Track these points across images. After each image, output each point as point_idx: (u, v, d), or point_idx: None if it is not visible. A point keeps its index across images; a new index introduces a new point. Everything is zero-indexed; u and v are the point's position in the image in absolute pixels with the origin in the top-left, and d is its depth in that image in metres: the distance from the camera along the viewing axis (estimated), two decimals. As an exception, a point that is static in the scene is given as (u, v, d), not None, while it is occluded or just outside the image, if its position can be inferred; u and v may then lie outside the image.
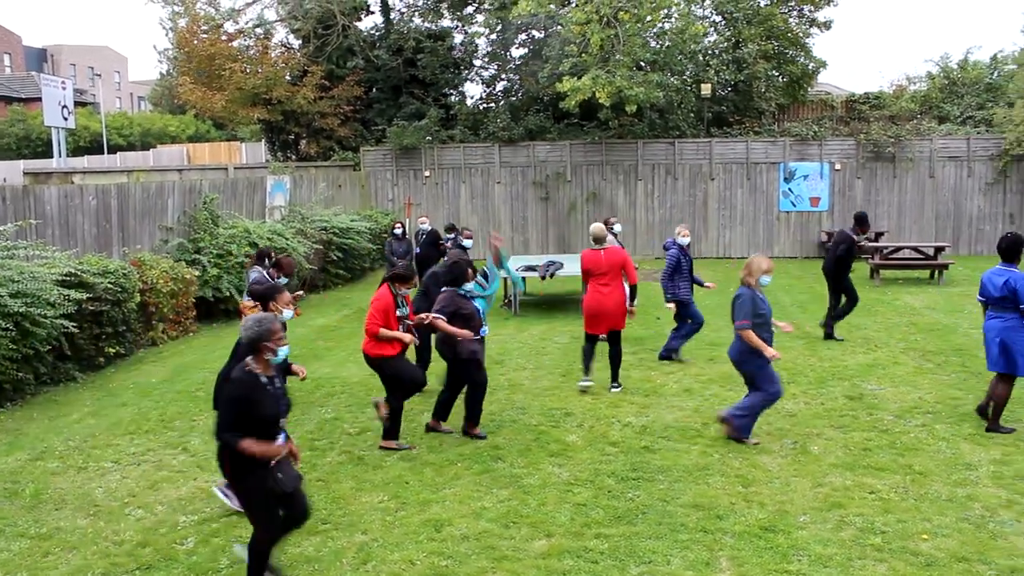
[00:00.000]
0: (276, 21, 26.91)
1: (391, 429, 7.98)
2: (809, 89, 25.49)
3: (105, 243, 13.26)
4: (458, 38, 26.76)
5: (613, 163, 23.37)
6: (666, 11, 21.58)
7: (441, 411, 8.46)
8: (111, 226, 13.53)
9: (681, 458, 7.53)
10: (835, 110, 24.53)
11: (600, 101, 20.23)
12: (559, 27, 22.39)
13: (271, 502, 5.19)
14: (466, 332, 7.98)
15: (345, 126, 25.32)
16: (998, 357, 8.02)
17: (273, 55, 25.33)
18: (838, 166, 22.60)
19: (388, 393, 7.99)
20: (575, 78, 20.27)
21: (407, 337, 7.83)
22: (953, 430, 8.16)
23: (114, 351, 11.71)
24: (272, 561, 5.40)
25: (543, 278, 14.77)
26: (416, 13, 26.96)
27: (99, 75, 56.89)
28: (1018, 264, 8.16)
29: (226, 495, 6.67)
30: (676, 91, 23.51)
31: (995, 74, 24.57)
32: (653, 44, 22.16)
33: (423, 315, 8.06)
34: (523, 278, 14.94)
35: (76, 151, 36.05)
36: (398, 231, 15.50)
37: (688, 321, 11.28)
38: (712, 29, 24.68)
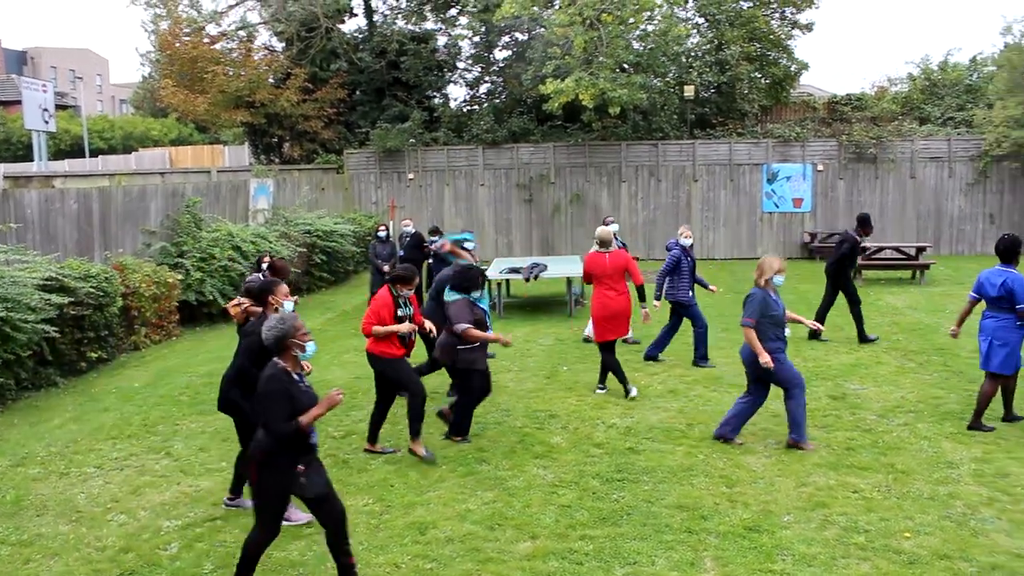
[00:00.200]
0: (259, 24, 26.83)
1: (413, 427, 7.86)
2: (791, 91, 25.61)
3: (87, 247, 13.17)
4: (441, 40, 26.75)
5: (597, 165, 23.41)
6: (649, 13, 21.64)
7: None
8: (93, 230, 13.44)
9: (666, 459, 7.54)
10: (817, 111, 24.65)
11: (583, 103, 20.28)
12: (542, 29, 22.42)
13: (281, 507, 5.17)
14: (499, 336, 8.07)
15: (328, 129, 25.25)
16: (994, 357, 8.11)
17: (256, 58, 25.21)
18: (820, 167, 22.72)
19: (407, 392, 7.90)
20: (558, 80, 20.30)
21: (404, 327, 7.70)
22: (935, 429, 8.22)
23: (96, 356, 11.63)
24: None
25: (527, 280, 14.77)
26: (399, 15, 26.94)
27: (80, 78, 56.60)
28: (1016, 264, 8.19)
29: (238, 505, 6.75)
30: (659, 93, 23.59)
31: (975, 76, 24.76)
32: (636, 46, 22.21)
33: (428, 325, 8.02)
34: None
35: (57, 154, 35.77)
36: (382, 234, 15.45)
37: (679, 323, 11.21)
38: (695, 31, 24.77)
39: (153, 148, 37.33)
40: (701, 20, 25.08)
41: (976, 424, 8.19)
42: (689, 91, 22.86)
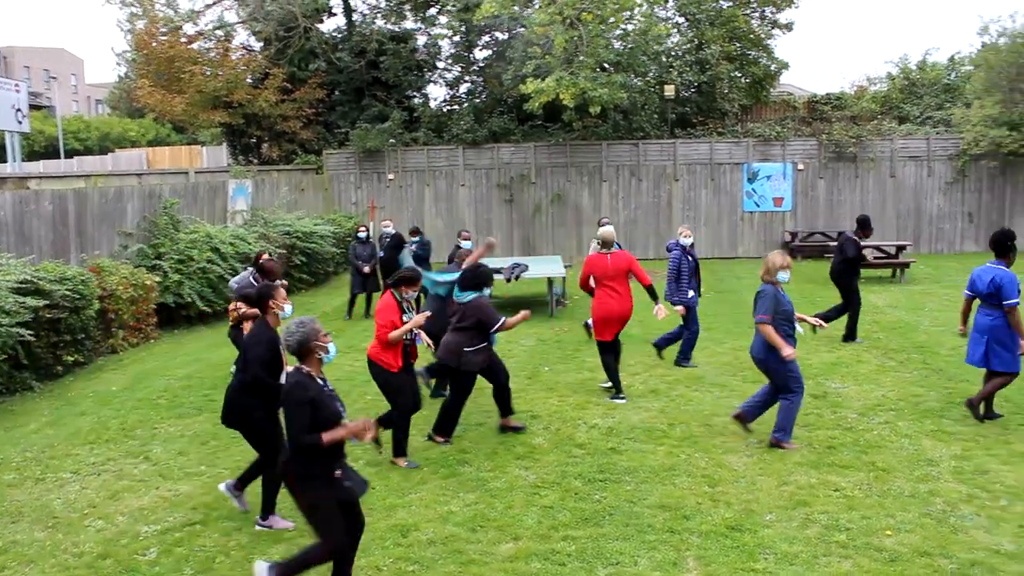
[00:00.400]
0: (237, 23, 26.63)
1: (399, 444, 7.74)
2: (771, 90, 25.73)
3: (62, 249, 13.03)
4: (421, 40, 26.65)
5: (577, 165, 23.41)
6: (629, 12, 21.66)
7: (503, 408, 8.44)
8: (68, 232, 13.29)
9: (647, 459, 7.54)
10: (797, 111, 24.77)
11: (564, 103, 20.26)
12: (522, 28, 22.40)
13: (337, 513, 5.06)
14: (523, 314, 8.13)
15: (307, 129, 25.11)
16: (985, 355, 8.18)
17: (234, 57, 25.03)
18: (801, 166, 22.83)
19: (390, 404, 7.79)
20: (539, 80, 20.27)
21: (419, 318, 7.65)
22: (915, 427, 8.25)
23: (72, 359, 11.50)
24: None
25: (508, 280, 14.72)
26: (379, 15, 26.82)
27: (55, 78, 56.09)
28: (1010, 257, 8.22)
29: (235, 497, 6.65)
30: (640, 92, 23.62)
31: (953, 75, 24.97)
32: (616, 45, 22.22)
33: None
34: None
35: (31, 156, 35.45)
36: (362, 235, 15.39)
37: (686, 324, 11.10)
38: (675, 30, 24.84)
39: (130, 149, 37.06)
40: (681, 19, 25.15)
41: (988, 414, 8.35)
42: (669, 90, 22.90)
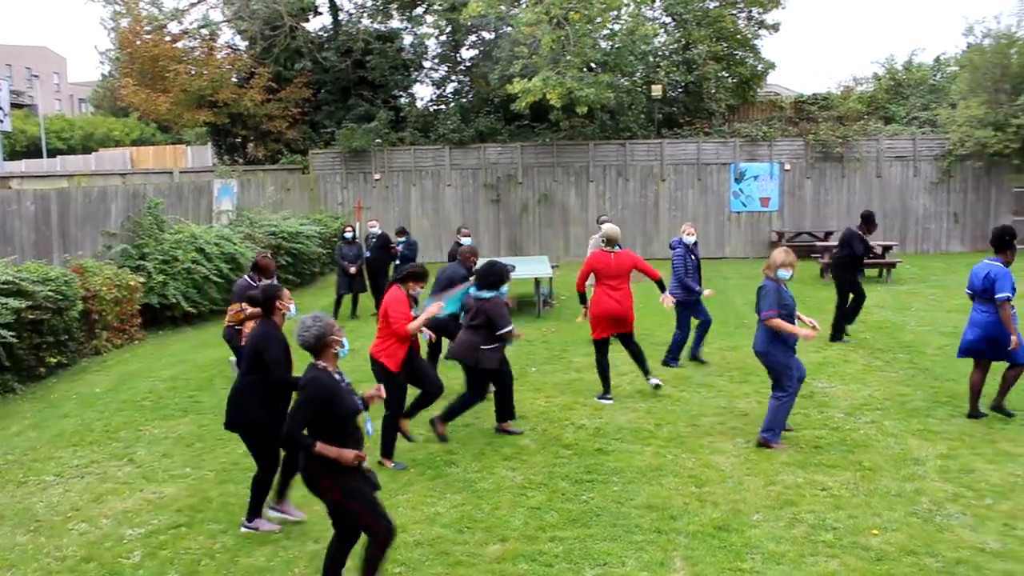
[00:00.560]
0: (222, 22, 26.51)
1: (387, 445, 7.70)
2: (758, 90, 25.81)
3: (45, 250, 12.93)
4: (407, 39, 26.61)
5: (564, 165, 23.41)
6: (616, 12, 21.67)
7: (503, 411, 8.41)
8: (51, 232, 13.19)
9: (634, 459, 7.52)
10: (784, 111, 24.86)
11: (551, 102, 20.26)
12: (509, 28, 22.38)
13: (376, 502, 5.02)
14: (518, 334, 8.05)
15: (293, 129, 25.02)
16: (982, 345, 8.28)
17: (219, 56, 24.94)
18: (788, 166, 22.90)
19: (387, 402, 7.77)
20: (525, 79, 20.26)
21: (434, 308, 7.65)
22: (901, 426, 8.27)
23: (55, 361, 11.41)
24: None
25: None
26: (365, 14, 26.76)
27: (37, 76, 55.61)
28: (1007, 254, 8.25)
29: (284, 513, 6.48)
30: (627, 92, 23.65)
31: (938, 76, 25.12)
32: (603, 45, 22.25)
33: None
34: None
35: (13, 155, 35.22)
36: (348, 235, 15.33)
37: (703, 315, 11.06)
38: (662, 30, 24.89)
39: (114, 148, 36.85)
40: (668, 19, 25.21)
41: (999, 407, 8.44)
42: (656, 90, 22.93)
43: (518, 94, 20.29)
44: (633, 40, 22.08)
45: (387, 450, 7.61)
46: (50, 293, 11.01)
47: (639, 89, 24.22)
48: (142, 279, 13.94)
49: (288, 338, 6.08)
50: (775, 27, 25.40)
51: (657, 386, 9.56)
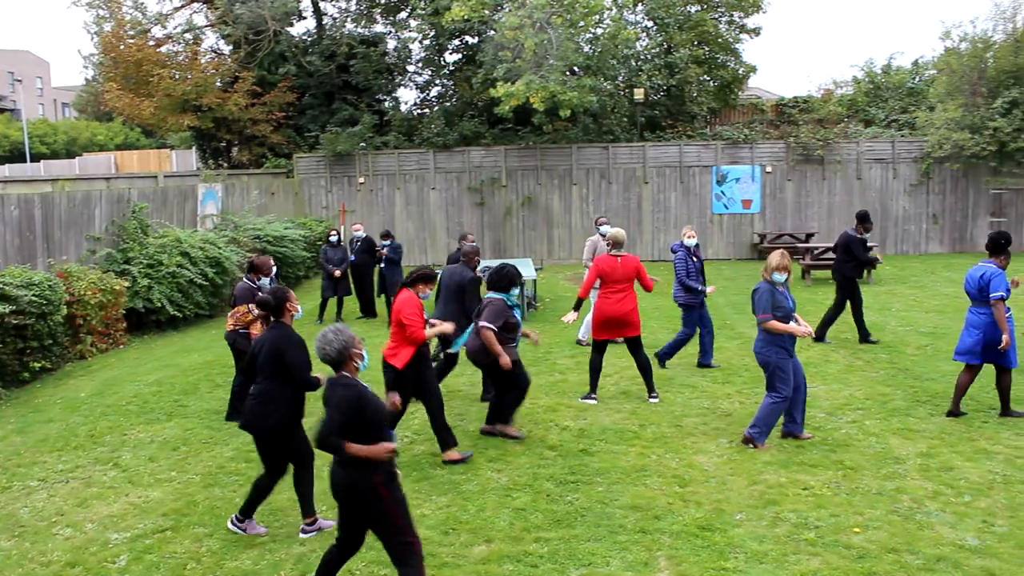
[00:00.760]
0: (206, 26, 26.48)
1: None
2: (740, 93, 25.97)
3: (29, 255, 12.87)
4: (391, 44, 26.64)
5: (548, 168, 23.47)
6: (598, 16, 21.76)
7: (494, 414, 8.40)
8: (35, 237, 13.14)
9: (619, 460, 7.58)
10: (765, 114, 25.03)
11: (534, 106, 20.33)
12: (492, 32, 22.43)
13: (408, 510, 5.03)
14: (506, 360, 7.88)
15: (277, 133, 25.00)
16: (978, 349, 8.34)
17: (203, 61, 24.90)
18: (769, 169, 23.04)
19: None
20: (509, 83, 20.31)
21: (447, 327, 7.70)
22: (882, 425, 8.36)
23: (40, 365, 11.37)
24: None
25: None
26: (349, 18, 26.77)
27: (19, 80, 55.28)
28: (1002, 258, 8.35)
29: (315, 529, 6.33)
30: (609, 96, 23.74)
31: (916, 79, 25.34)
32: (586, 49, 22.32)
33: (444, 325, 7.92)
34: None
35: (-4, 160, 34.97)
36: (333, 238, 15.34)
37: (706, 321, 11.05)
38: (644, 34, 24.97)
39: (98, 153, 36.65)
40: (650, 23, 25.28)
41: (1007, 412, 8.49)
42: (639, 94, 23.04)
43: (501, 98, 20.33)
44: (615, 44, 22.16)
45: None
46: (34, 298, 10.96)
47: (621, 92, 24.33)
48: (127, 283, 13.90)
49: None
50: (756, 31, 25.59)
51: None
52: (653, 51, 24.58)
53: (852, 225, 12.65)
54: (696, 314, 10.93)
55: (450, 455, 7.65)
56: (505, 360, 7.88)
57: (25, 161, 35.33)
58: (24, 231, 12.92)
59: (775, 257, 7.89)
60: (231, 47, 25.69)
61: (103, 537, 6.37)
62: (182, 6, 26.26)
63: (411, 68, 26.99)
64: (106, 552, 6.12)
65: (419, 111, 26.43)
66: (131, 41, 23.80)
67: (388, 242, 15.16)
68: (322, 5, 26.75)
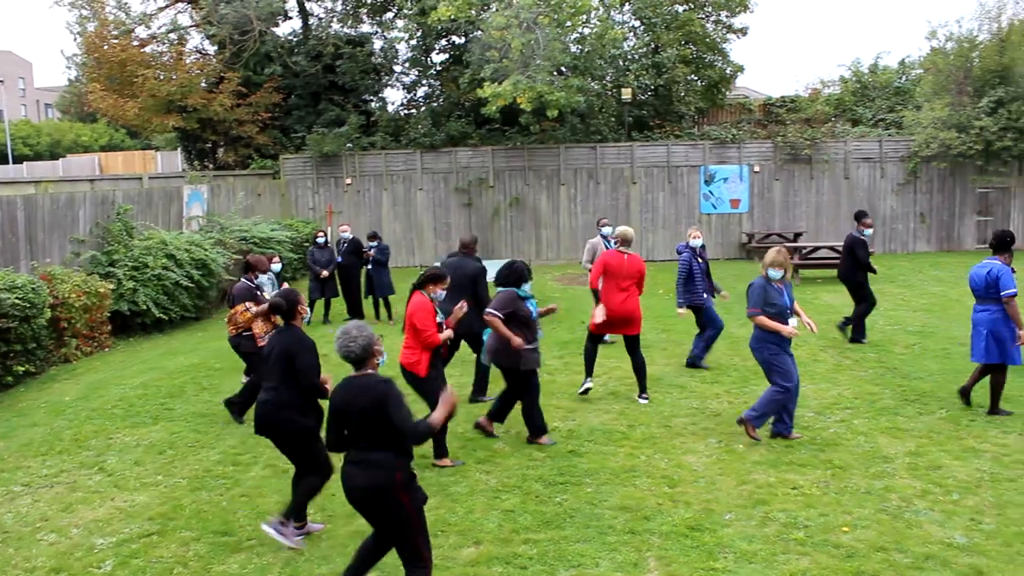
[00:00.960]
0: (191, 26, 26.33)
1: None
2: (727, 93, 26.01)
3: (11, 257, 12.77)
4: (378, 44, 26.57)
5: (536, 168, 23.46)
6: (585, 16, 21.76)
7: (498, 413, 8.33)
8: (18, 239, 13.03)
9: (608, 461, 7.56)
10: (753, 113, 25.08)
11: (521, 106, 20.31)
12: (479, 32, 22.40)
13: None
14: (519, 340, 7.82)
15: (263, 134, 24.89)
16: (989, 348, 8.33)
17: (188, 61, 24.76)
18: (757, 168, 23.09)
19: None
20: (496, 83, 20.29)
21: (448, 334, 7.63)
22: (871, 424, 8.38)
23: (23, 369, 11.27)
24: None
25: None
26: (335, 19, 26.69)
27: (1, 81, 54.84)
28: (1006, 255, 8.37)
29: (281, 533, 6.07)
30: (597, 96, 23.74)
31: (903, 78, 25.45)
32: (573, 49, 22.31)
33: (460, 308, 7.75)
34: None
35: (-22, 162, 34.72)
36: (320, 240, 15.27)
37: (707, 327, 10.98)
38: (631, 34, 25.00)
39: (82, 154, 36.44)
40: (637, 23, 25.31)
41: (995, 410, 8.49)
42: (626, 94, 23.05)
43: (489, 98, 20.30)
44: (603, 44, 22.16)
45: (441, 450, 7.64)
46: (17, 301, 10.87)
47: (609, 92, 24.34)
48: (112, 286, 13.80)
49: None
50: (743, 31, 25.65)
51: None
52: (640, 51, 24.60)
53: (853, 227, 12.67)
54: (712, 311, 10.92)
55: (440, 462, 7.61)
56: (517, 342, 7.83)
57: (7, 163, 35.09)
58: (7, 233, 12.82)
59: (771, 253, 7.94)
60: (216, 47, 25.57)
61: (88, 542, 6.31)
62: (166, 6, 26.11)
63: (398, 68, 26.94)
64: (91, 557, 6.06)
65: (406, 111, 26.38)
66: (115, 41, 23.63)
67: (375, 243, 15.10)
68: (308, 5, 26.66)
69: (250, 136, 24.58)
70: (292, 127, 25.35)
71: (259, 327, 8.81)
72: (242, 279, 9.20)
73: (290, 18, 26.97)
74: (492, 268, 15.33)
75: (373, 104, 26.45)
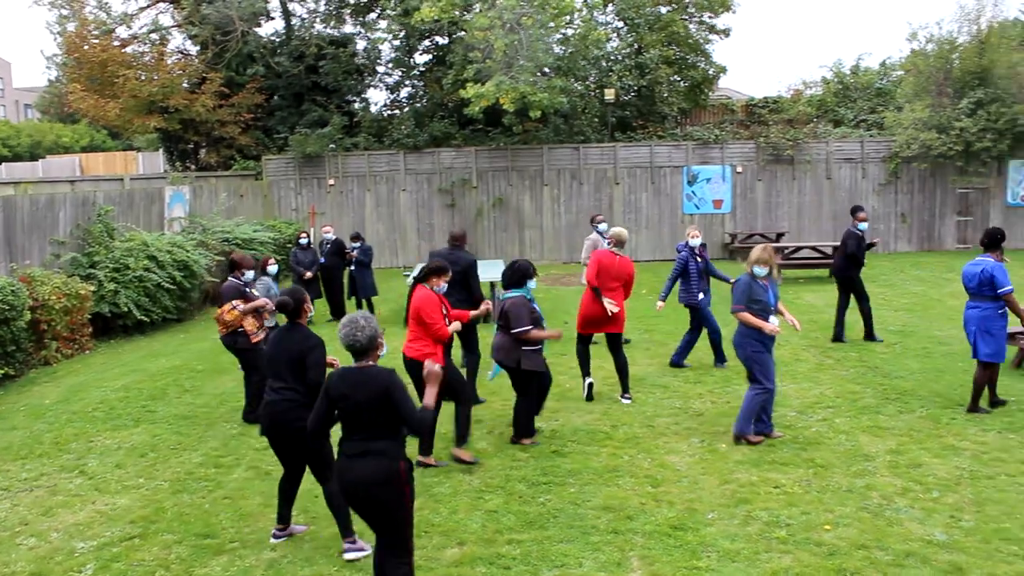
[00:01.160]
0: (172, 27, 26.17)
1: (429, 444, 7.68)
2: (710, 94, 26.11)
3: (-9, 259, 12.67)
4: (361, 44, 26.48)
5: (519, 169, 23.46)
6: (568, 17, 21.78)
7: (522, 429, 8.25)
8: (-2, 241, 12.93)
9: (591, 461, 7.57)
10: (735, 114, 25.19)
11: (504, 107, 20.31)
12: (462, 33, 22.39)
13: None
14: (555, 332, 8.13)
15: (246, 134, 24.77)
16: (977, 346, 8.41)
17: (169, 62, 24.60)
18: (739, 169, 23.18)
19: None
20: (479, 84, 20.28)
21: (456, 325, 7.61)
22: (852, 423, 8.42)
23: (2, 372, 11.19)
24: None
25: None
26: (318, 19, 26.58)
27: (-17, 83, 54.39)
28: (997, 253, 8.42)
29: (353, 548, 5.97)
30: (580, 96, 23.78)
31: (884, 79, 25.62)
32: (556, 50, 22.34)
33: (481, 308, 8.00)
34: None
35: (-43, 163, 34.34)
36: (303, 241, 15.22)
37: (700, 327, 10.97)
38: (614, 35, 25.04)
39: (63, 155, 36.13)
40: (620, 24, 25.37)
41: (974, 408, 8.55)
42: (610, 94, 23.09)
43: (472, 99, 20.29)
44: (586, 45, 22.21)
45: (428, 447, 7.64)
46: (-4, 303, 10.79)
47: (592, 93, 24.37)
48: (92, 288, 13.69)
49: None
50: (725, 32, 25.74)
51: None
52: (623, 52, 24.65)
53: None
54: (707, 311, 10.89)
55: (426, 460, 7.59)
56: (545, 334, 8.00)
57: (-13, 164, 34.70)
58: (-13, 235, 12.72)
59: (757, 250, 7.99)
60: (198, 48, 25.42)
61: (69, 546, 6.26)
62: (148, 6, 25.96)
63: (381, 69, 26.85)
64: (72, 561, 6.01)
65: (389, 112, 26.32)
66: (95, 41, 23.47)
67: (358, 244, 15.07)
68: (290, 6, 26.58)
69: (232, 137, 24.45)
70: (275, 128, 25.24)
71: (250, 323, 8.80)
72: (229, 278, 9.16)
73: (272, 18, 26.86)
74: (482, 269, 15.41)
75: (356, 105, 26.38)
